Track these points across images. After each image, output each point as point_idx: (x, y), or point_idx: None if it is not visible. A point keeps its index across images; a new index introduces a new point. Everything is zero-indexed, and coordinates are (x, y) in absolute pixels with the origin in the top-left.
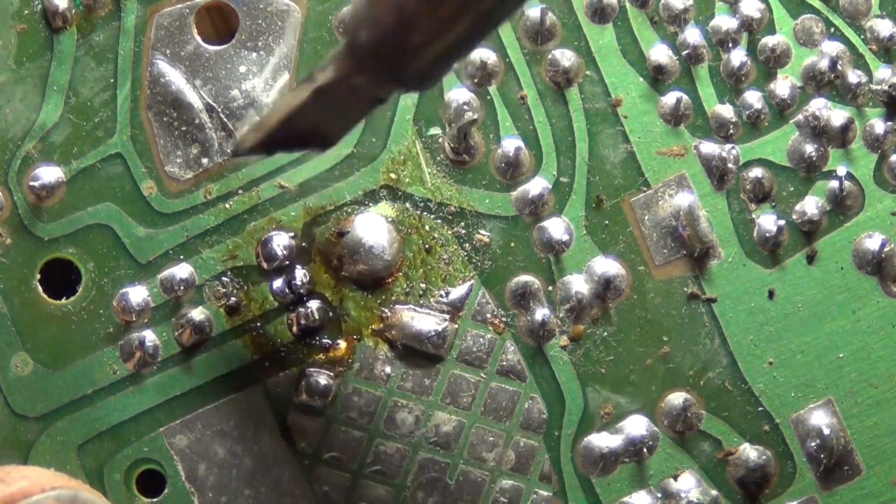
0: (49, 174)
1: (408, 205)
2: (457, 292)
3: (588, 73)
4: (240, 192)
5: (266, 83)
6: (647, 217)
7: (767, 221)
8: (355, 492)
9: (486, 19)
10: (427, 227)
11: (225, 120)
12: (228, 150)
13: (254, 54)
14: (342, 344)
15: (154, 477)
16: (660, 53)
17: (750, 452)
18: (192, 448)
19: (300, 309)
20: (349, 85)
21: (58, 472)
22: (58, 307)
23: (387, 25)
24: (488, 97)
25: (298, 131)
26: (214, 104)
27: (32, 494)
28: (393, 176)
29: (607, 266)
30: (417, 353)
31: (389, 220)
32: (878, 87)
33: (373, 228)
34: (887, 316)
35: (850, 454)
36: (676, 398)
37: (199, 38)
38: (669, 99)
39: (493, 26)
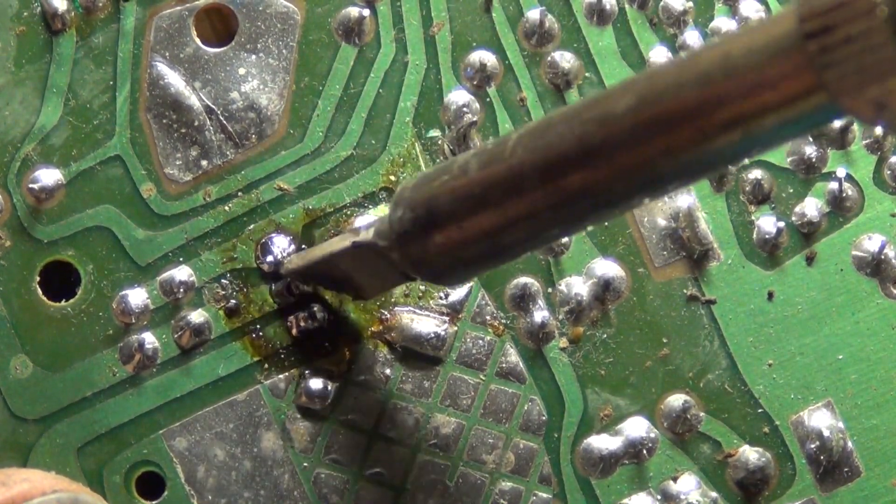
0: (48, 176)
1: None
2: (456, 294)
3: (587, 74)
4: (239, 194)
5: (265, 86)
6: (646, 219)
7: (767, 223)
8: (355, 494)
9: (504, 252)
10: None
11: (224, 122)
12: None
13: (253, 56)
14: (342, 346)
15: (154, 479)
16: (659, 55)
17: (749, 454)
18: (191, 450)
19: (300, 311)
20: (384, 253)
21: (58, 475)
22: (57, 309)
23: (418, 214)
24: (488, 99)
25: (333, 274)
26: (214, 106)
27: (33, 497)
28: (392, 178)
29: (607, 268)
30: (417, 355)
31: None
32: None
33: None
34: (887, 318)
35: (850, 456)
36: (676, 400)
37: (198, 41)
38: None
39: (509, 259)
